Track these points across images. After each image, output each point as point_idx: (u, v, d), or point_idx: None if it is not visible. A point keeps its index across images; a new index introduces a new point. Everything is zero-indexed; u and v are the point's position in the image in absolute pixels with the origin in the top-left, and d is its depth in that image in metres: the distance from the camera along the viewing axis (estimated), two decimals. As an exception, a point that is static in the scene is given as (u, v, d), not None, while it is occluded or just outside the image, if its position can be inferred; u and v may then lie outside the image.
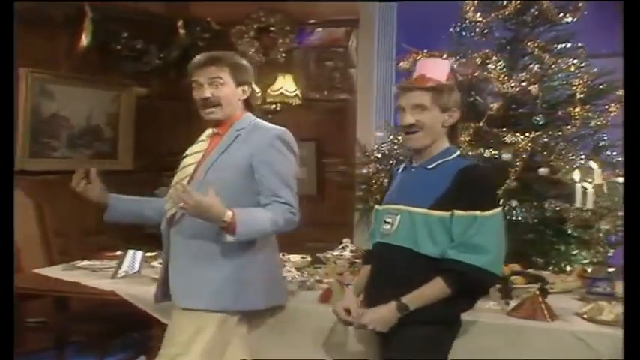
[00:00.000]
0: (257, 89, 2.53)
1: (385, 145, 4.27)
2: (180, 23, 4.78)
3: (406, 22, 4.75)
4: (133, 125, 4.61)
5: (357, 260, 3.01)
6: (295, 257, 3.10)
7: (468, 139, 3.77)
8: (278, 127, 2.32)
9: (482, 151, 3.69)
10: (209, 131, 2.32)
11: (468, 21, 3.90)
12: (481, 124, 3.72)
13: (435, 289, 1.97)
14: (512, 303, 2.30)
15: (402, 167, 2.21)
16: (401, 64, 3.97)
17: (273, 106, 4.85)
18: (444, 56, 3.92)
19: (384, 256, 2.08)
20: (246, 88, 2.31)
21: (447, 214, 1.97)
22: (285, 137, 2.28)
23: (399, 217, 2.04)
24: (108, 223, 2.44)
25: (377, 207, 2.26)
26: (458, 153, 2.12)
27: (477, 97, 3.94)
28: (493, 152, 3.65)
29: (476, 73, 3.79)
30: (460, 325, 2.10)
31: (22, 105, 3.81)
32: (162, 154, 4.98)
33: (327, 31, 4.81)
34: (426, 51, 3.94)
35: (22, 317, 3.01)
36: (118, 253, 3.41)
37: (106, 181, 4.48)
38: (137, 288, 2.68)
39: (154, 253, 3.23)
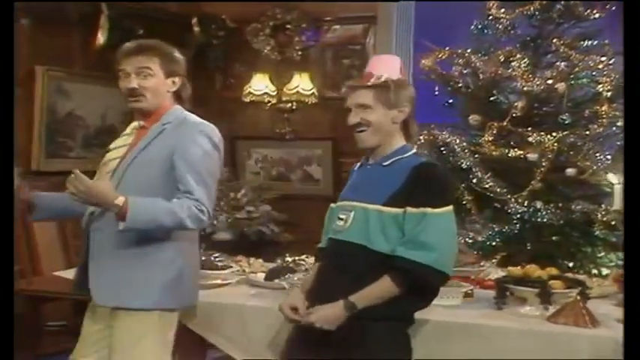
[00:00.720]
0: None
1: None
2: (194, 21, 4.72)
3: (424, 19, 4.68)
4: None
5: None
6: (309, 259, 3.03)
7: (491, 138, 3.71)
8: (205, 122, 2.22)
9: (506, 151, 3.63)
10: (135, 124, 2.24)
11: (490, 17, 3.83)
12: (505, 123, 3.66)
13: (383, 287, 1.94)
14: (552, 309, 2.23)
15: (358, 165, 2.18)
16: (423, 61, 3.91)
17: (289, 104, 4.80)
18: (467, 53, 3.88)
19: (336, 252, 2.04)
20: (176, 79, 2.23)
21: (400, 210, 1.95)
22: (210, 133, 2.19)
23: (352, 213, 2.01)
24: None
25: (331, 205, 2.21)
26: (414, 150, 2.10)
27: (499, 96, 3.88)
28: (518, 152, 3.59)
29: (499, 71, 3.74)
30: (413, 322, 2.06)
31: (38, 104, 3.75)
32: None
33: (343, 29, 4.74)
34: (447, 48, 3.89)
35: (43, 320, 2.94)
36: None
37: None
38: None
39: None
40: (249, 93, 4.74)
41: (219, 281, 2.76)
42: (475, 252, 2.82)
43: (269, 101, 4.78)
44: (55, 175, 3.90)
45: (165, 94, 2.21)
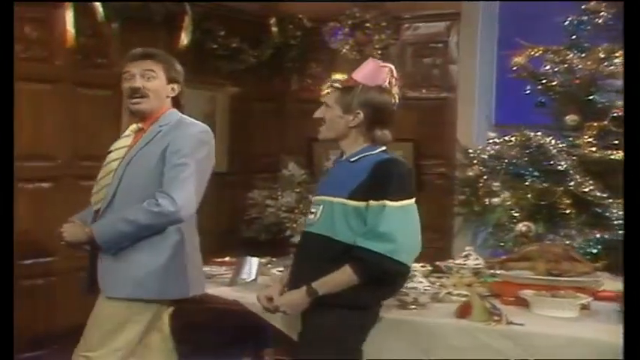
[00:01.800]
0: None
1: (491, 145, 4.05)
2: (272, 21, 4.66)
3: (509, 15, 4.50)
4: (228, 126, 4.52)
5: (482, 269, 2.81)
6: (415, 265, 2.90)
7: (590, 139, 3.51)
8: (198, 122, 2.34)
9: (607, 152, 3.42)
10: (134, 126, 2.36)
11: (589, 12, 3.63)
12: (606, 122, 3.45)
13: (344, 275, 2.04)
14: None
15: (341, 157, 2.26)
16: (515, 59, 3.73)
17: (368, 105, 4.69)
18: (562, 50, 3.69)
19: (306, 244, 2.17)
20: (175, 86, 2.36)
21: (363, 203, 2.06)
22: (203, 135, 2.31)
23: (321, 207, 2.14)
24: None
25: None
26: (383, 148, 2.20)
27: (597, 95, 3.66)
28: (620, 154, 3.37)
29: (599, 69, 3.53)
30: (377, 313, 2.16)
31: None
32: (254, 155, 4.89)
33: (425, 26, 4.60)
34: (542, 46, 3.70)
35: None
36: (227, 259, 3.32)
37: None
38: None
39: (264, 260, 3.12)
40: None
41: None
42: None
43: (347, 101, 4.68)
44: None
45: (164, 99, 2.34)
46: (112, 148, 2.35)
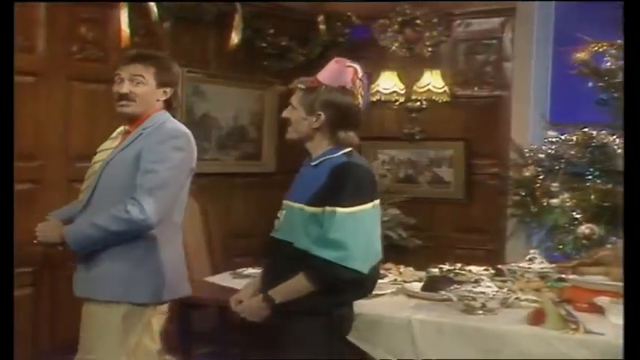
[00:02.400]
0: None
1: (546, 144, 3.93)
2: (320, 19, 4.60)
3: (565, 10, 4.35)
4: (277, 125, 4.48)
5: (548, 274, 2.70)
6: (477, 268, 2.82)
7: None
8: (180, 127, 2.33)
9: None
10: (121, 128, 2.36)
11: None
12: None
13: (298, 283, 2.04)
14: None
15: (308, 161, 2.24)
16: (577, 55, 3.60)
17: (418, 103, 4.60)
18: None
19: (271, 249, 2.18)
20: (168, 90, 2.34)
21: (319, 209, 2.03)
22: (176, 135, 2.29)
23: (284, 212, 2.14)
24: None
25: None
26: (345, 151, 2.15)
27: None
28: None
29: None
30: (339, 318, 2.12)
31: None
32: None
33: (478, 23, 4.48)
34: (606, 43, 3.56)
35: (194, 327, 2.90)
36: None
37: (249, 184, 4.43)
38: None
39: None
40: (377, 92, 4.57)
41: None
42: None
43: (397, 100, 4.60)
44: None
45: (154, 103, 2.32)
46: (98, 149, 2.36)
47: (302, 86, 2.18)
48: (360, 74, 2.18)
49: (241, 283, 2.81)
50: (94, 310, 2.23)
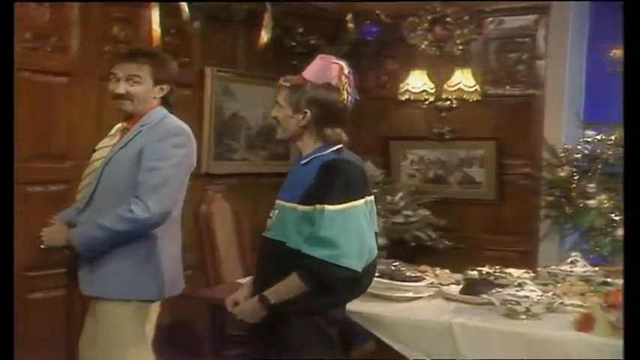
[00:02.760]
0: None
1: (582, 144, 3.84)
2: (349, 17, 4.55)
3: (600, 7, 4.25)
4: (305, 125, 4.44)
5: (592, 277, 2.63)
6: (517, 271, 2.75)
7: None
8: (179, 123, 2.32)
9: None
10: (119, 125, 2.36)
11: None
12: None
13: (292, 282, 2.03)
14: None
15: (299, 160, 2.22)
16: (613, 52, 3.51)
17: (448, 102, 4.53)
18: None
19: (263, 249, 2.17)
20: (164, 87, 2.34)
21: (310, 208, 2.03)
22: (177, 132, 2.29)
23: (277, 211, 2.13)
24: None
25: None
26: (335, 148, 2.13)
27: None
28: None
29: None
30: (334, 317, 2.10)
31: (207, 106, 3.72)
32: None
33: (510, 20, 4.39)
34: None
35: (226, 329, 2.86)
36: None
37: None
38: (361, 305, 2.43)
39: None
40: (406, 91, 4.51)
41: (410, 294, 2.57)
42: None
43: (427, 99, 4.53)
44: (222, 177, 3.88)
45: (150, 100, 2.32)
46: (97, 146, 2.36)
47: (287, 84, 2.17)
48: (346, 71, 2.16)
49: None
50: (106, 308, 2.26)
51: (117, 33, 3.24)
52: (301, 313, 2.05)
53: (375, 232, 2.17)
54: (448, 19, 4.50)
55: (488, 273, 2.62)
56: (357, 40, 4.60)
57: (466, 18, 4.44)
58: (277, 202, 2.16)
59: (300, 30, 4.22)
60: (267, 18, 3.88)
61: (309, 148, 2.14)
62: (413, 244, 4.44)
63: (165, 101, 2.36)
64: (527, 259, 4.28)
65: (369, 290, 2.58)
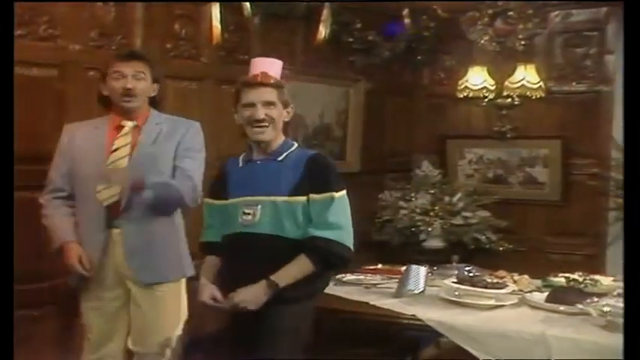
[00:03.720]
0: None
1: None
2: (405, 12, 4.40)
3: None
4: (361, 123, 4.32)
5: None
6: (606, 280, 2.58)
7: None
8: (194, 121, 2.54)
9: None
10: (130, 123, 2.45)
11: None
12: None
13: (301, 265, 2.14)
14: None
15: (240, 161, 2.31)
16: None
17: (509, 99, 4.35)
18: None
19: (249, 244, 2.19)
20: (156, 86, 2.51)
21: (304, 198, 2.17)
22: (199, 128, 2.54)
23: (259, 207, 2.17)
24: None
25: (212, 201, 2.33)
26: (296, 144, 2.32)
27: None
28: None
29: None
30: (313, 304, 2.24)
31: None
32: (385, 154, 4.67)
33: (577, 13, 4.21)
34: None
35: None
36: (379, 266, 3.12)
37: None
38: (439, 312, 2.34)
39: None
40: (465, 87, 4.34)
41: (492, 302, 2.43)
42: None
43: (486, 96, 4.36)
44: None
45: (147, 98, 2.49)
46: (116, 145, 2.43)
47: (278, 82, 2.28)
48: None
49: (345, 290, 2.70)
50: (164, 290, 2.44)
51: (178, 30, 3.17)
52: (300, 299, 2.15)
53: None
54: (510, 12, 4.32)
55: (575, 280, 2.46)
56: (414, 35, 4.46)
57: (530, 12, 4.26)
58: (255, 198, 2.20)
59: (358, 25, 4.10)
60: (325, 13, 3.76)
61: (276, 143, 2.27)
62: (472, 246, 4.30)
63: (153, 100, 2.53)
64: (593, 264, 4.09)
65: (444, 296, 2.49)
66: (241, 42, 3.50)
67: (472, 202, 4.37)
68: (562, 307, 2.32)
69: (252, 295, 2.13)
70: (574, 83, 4.26)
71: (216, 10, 3.21)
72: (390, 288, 2.70)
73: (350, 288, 2.75)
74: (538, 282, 2.72)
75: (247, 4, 3.29)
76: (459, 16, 4.45)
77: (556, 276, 2.65)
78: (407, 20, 4.42)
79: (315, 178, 2.19)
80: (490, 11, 4.37)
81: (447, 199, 4.36)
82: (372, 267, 3.08)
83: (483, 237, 4.32)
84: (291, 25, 3.74)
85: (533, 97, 4.23)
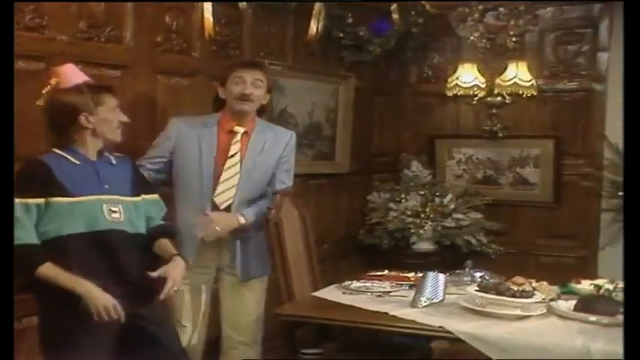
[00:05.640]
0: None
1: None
2: (393, 7, 4.24)
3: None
4: (351, 122, 4.16)
5: None
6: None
7: None
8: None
9: None
10: (241, 130, 2.63)
11: None
12: None
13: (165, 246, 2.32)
14: None
15: (94, 159, 2.25)
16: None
17: (499, 98, 4.26)
18: None
19: (117, 241, 2.19)
20: (269, 95, 2.72)
21: (139, 198, 2.32)
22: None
23: (120, 206, 2.23)
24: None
25: (57, 199, 2.14)
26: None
27: None
28: None
29: None
30: None
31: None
32: (373, 154, 4.51)
33: (569, 10, 4.15)
34: None
35: (298, 346, 2.59)
36: (385, 272, 2.96)
37: (322, 186, 4.12)
38: (466, 323, 2.20)
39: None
40: (456, 85, 4.22)
41: (518, 311, 2.30)
42: None
43: (476, 94, 4.26)
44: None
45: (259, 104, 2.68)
46: (232, 152, 2.61)
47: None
48: None
49: (354, 298, 2.54)
50: (255, 284, 2.69)
51: (169, 23, 2.93)
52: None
53: None
54: (501, 9, 4.23)
55: (606, 288, 2.35)
56: (402, 31, 4.31)
57: (521, 8, 4.17)
58: (111, 197, 2.20)
59: (350, 21, 3.94)
60: (317, 7, 3.58)
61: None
62: (465, 250, 4.19)
63: (259, 109, 2.69)
64: (586, 266, 4.05)
65: (465, 305, 2.36)
66: (233, 36, 3.29)
67: (463, 203, 4.27)
68: (592, 318, 2.21)
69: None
70: (566, 81, 4.20)
71: (208, 2, 2.99)
72: (402, 296, 2.56)
73: (359, 296, 2.58)
74: (555, 288, 2.62)
75: (243, -2, 3.09)
76: (449, 12, 4.34)
77: (578, 282, 2.55)
78: (395, 16, 4.28)
79: (141, 179, 2.39)
80: (480, 7, 4.27)
81: (437, 200, 4.24)
82: (378, 273, 2.92)
83: (474, 239, 4.23)
84: (282, 19, 3.55)
85: (524, 96, 4.15)
